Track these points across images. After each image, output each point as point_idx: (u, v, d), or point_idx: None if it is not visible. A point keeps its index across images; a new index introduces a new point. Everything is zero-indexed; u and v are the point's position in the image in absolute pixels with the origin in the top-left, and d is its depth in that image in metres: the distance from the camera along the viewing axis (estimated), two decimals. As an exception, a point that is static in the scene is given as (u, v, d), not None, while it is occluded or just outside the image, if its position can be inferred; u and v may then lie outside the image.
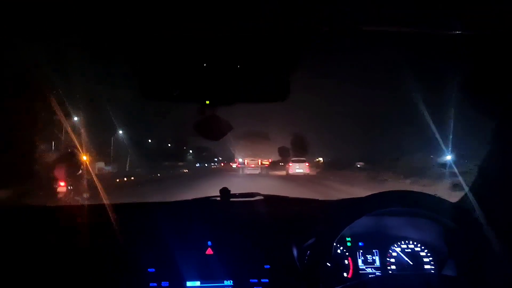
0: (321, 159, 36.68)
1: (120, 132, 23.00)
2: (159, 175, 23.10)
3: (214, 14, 1.01)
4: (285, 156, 27.59)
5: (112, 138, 22.52)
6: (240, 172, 25.37)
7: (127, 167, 24.58)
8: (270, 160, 29.33)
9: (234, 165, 28.80)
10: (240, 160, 27.70)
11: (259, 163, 27.03)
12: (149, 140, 33.21)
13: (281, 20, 1.05)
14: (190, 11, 0.99)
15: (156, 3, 0.96)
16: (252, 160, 26.94)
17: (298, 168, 23.76)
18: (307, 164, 24.58)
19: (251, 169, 25.63)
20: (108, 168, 22.72)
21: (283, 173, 24.42)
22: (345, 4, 0.96)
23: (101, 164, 21.49)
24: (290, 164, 23.76)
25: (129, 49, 1.28)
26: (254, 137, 29.62)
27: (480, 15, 1.01)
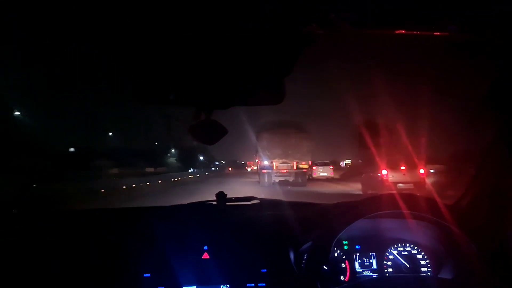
0: (349, 161, 35.82)
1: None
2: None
3: (208, 14, 1.02)
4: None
5: None
6: (266, 180, 17.06)
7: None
8: (310, 162, 19.25)
9: (249, 169, 19.23)
10: (266, 162, 17.87)
11: (294, 167, 17.95)
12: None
13: (276, 23, 1.06)
14: (180, 11, 1.00)
15: (146, 3, 0.97)
16: (283, 162, 17.90)
17: (322, 171, 23.53)
18: (331, 167, 24.25)
19: (280, 176, 17.77)
20: None
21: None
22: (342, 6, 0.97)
23: None
24: (314, 168, 23.50)
25: (123, 54, 1.26)
26: (283, 129, 18.08)
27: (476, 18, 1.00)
